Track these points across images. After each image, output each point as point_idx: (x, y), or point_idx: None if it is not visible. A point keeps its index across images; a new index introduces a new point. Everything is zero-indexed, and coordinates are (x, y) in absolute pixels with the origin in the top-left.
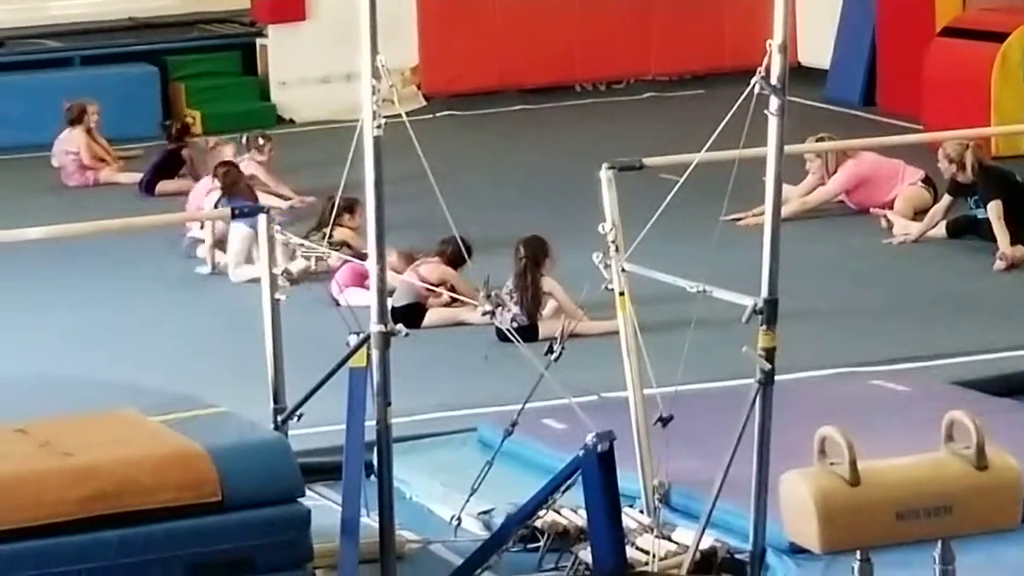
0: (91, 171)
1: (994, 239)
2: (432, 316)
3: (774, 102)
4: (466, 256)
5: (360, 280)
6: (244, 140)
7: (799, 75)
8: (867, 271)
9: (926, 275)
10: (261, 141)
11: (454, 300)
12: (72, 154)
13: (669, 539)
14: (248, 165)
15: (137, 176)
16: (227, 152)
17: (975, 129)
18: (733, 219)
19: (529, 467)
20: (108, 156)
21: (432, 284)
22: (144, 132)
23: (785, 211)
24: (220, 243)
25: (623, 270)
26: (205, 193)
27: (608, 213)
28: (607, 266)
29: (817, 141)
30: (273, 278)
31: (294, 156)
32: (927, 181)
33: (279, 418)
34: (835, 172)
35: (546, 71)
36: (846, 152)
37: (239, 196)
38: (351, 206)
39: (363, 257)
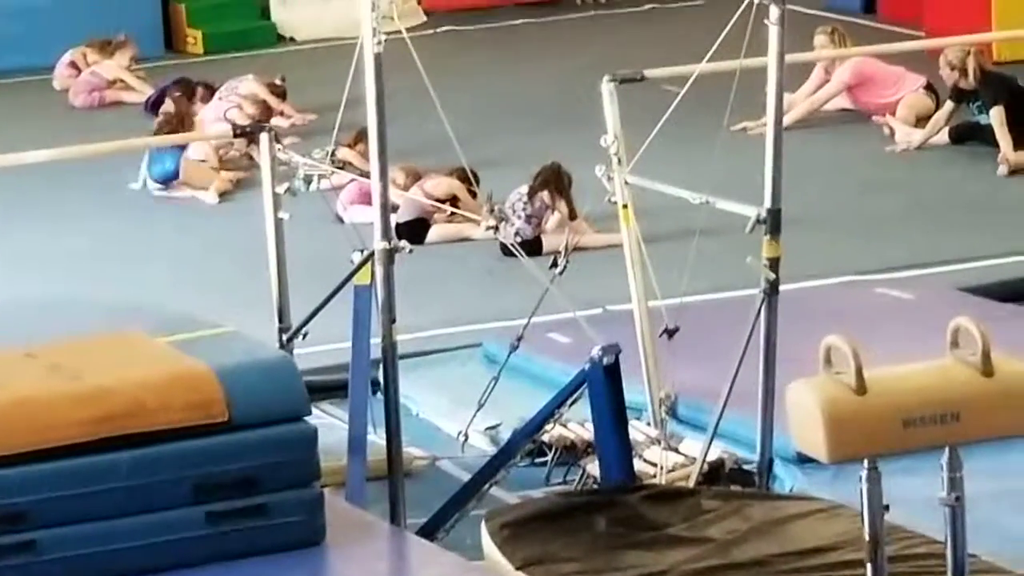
0: (97, 91)
1: (997, 145)
2: (436, 232)
3: (774, 11)
4: (472, 182)
5: (365, 199)
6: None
7: None
8: (870, 179)
9: (929, 182)
10: (278, 82)
11: (457, 215)
12: (86, 74)
13: (676, 451)
14: (250, 85)
15: (142, 97)
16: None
17: (976, 35)
18: (741, 128)
19: (535, 381)
20: (139, 84)
21: (438, 199)
22: (146, 53)
23: (796, 114)
24: (223, 163)
25: (626, 182)
26: (212, 120)
27: (610, 126)
28: (610, 179)
29: (825, 34)
30: (276, 197)
31: (295, 74)
32: (929, 87)
33: (284, 337)
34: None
35: None
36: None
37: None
38: (359, 134)
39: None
